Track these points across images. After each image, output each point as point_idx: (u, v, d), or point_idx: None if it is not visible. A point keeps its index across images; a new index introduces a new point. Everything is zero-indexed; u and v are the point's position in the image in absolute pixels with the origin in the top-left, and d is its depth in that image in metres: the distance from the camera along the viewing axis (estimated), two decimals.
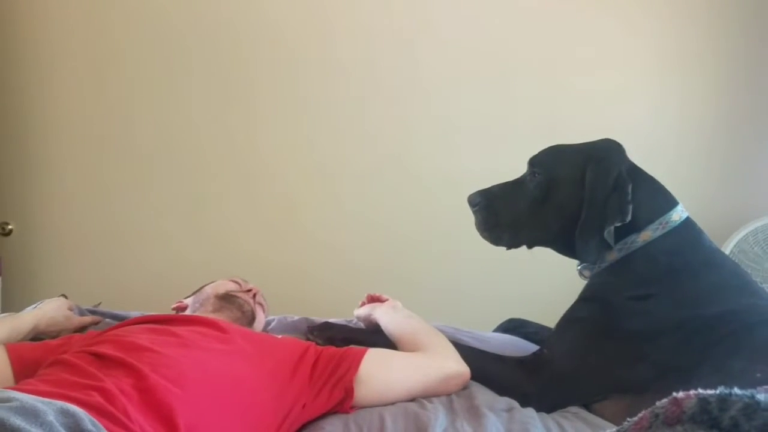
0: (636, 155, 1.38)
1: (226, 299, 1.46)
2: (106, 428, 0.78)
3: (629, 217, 1.25)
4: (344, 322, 1.63)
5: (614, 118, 2.48)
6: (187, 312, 1.49)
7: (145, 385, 0.93)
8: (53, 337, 1.38)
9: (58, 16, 2.46)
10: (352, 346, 1.33)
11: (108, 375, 0.94)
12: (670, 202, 1.33)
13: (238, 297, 1.47)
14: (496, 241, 1.46)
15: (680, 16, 2.54)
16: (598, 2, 2.53)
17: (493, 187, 1.48)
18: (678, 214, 1.31)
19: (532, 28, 2.52)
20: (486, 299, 2.42)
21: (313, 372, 1.16)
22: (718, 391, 0.42)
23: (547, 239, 1.43)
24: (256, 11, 2.48)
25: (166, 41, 2.48)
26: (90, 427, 0.74)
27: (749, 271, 2.24)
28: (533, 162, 1.43)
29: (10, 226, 2.51)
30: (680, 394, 0.44)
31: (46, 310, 1.45)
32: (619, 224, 1.26)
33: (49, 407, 0.73)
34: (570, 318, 1.36)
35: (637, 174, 1.34)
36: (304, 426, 1.13)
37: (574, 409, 1.23)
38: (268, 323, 1.65)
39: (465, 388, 1.27)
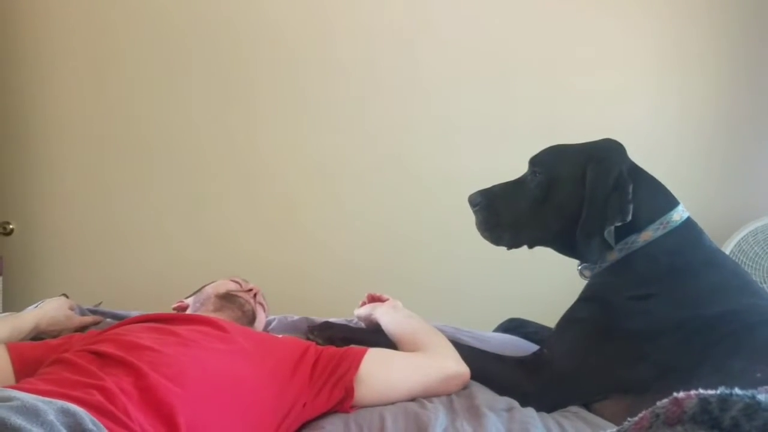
0: (636, 155, 1.38)
1: (227, 299, 1.46)
2: (107, 427, 0.78)
3: (630, 217, 1.25)
4: (344, 322, 1.63)
5: (614, 118, 2.48)
6: (188, 311, 1.50)
7: (146, 383, 0.93)
8: (54, 337, 1.38)
9: (59, 16, 2.46)
10: (352, 345, 1.33)
11: (108, 374, 0.94)
12: (671, 202, 1.33)
13: (238, 296, 1.47)
14: (496, 241, 1.46)
15: (680, 16, 2.54)
16: (598, 2, 2.54)
17: (493, 186, 1.48)
18: (679, 214, 1.31)
19: (532, 28, 2.52)
20: (486, 299, 2.42)
21: (313, 371, 1.16)
22: (718, 392, 0.42)
23: (548, 239, 1.43)
24: (256, 11, 2.48)
25: (166, 42, 2.48)
26: (91, 426, 0.74)
27: (749, 271, 2.24)
28: (534, 161, 1.43)
29: (11, 226, 2.52)
30: (681, 394, 0.44)
31: (47, 310, 1.45)
32: (619, 224, 1.26)
33: (49, 406, 0.73)
34: (570, 318, 1.36)
35: (637, 174, 1.34)
36: (305, 425, 1.13)
37: (574, 408, 1.23)
38: (268, 323, 1.65)
39: (465, 388, 1.27)
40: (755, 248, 2.30)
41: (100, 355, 1.01)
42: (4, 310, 2.36)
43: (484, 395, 1.22)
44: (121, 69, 2.48)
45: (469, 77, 2.52)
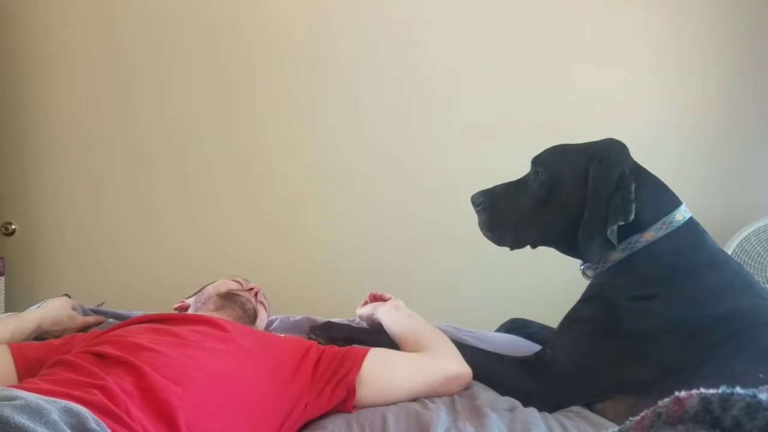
0: (637, 155, 1.38)
1: (228, 298, 1.46)
2: (109, 427, 0.78)
3: (632, 217, 1.25)
4: (346, 322, 1.63)
5: (615, 117, 2.48)
6: (190, 311, 1.50)
7: (146, 384, 0.93)
8: (56, 337, 1.38)
9: (61, 17, 2.47)
10: (354, 345, 1.33)
11: (110, 374, 0.94)
12: (674, 202, 1.33)
13: (239, 295, 1.47)
14: (499, 241, 1.46)
15: (681, 15, 2.54)
16: (598, 2, 2.53)
17: (496, 186, 1.48)
18: (681, 214, 1.31)
19: (532, 28, 2.52)
20: (487, 299, 2.42)
21: (315, 371, 1.16)
22: (720, 391, 0.42)
23: (551, 239, 1.43)
24: (256, 12, 2.49)
25: (167, 44, 2.48)
26: (94, 426, 0.74)
27: (752, 271, 2.24)
28: (536, 161, 1.43)
29: (13, 226, 2.52)
30: (682, 394, 0.44)
31: (50, 310, 1.45)
32: (622, 223, 1.26)
33: (53, 406, 0.73)
34: (573, 318, 1.36)
35: (640, 173, 1.34)
36: (307, 425, 1.13)
37: (576, 408, 1.23)
38: (270, 323, 1.65)
39: (467, 388, 1.27)
40: (757, 248, 2.30)
41: (101, 356, 1.01)
42: (7, 310, 2.36)
43: (486, 395, 1.22)
44: (123, 71, 2.49)
45: (469, 77, 2.52)
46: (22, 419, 0.68)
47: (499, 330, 1.78)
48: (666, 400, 0.45)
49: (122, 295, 2.23)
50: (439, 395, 1.22)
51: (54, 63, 2.48)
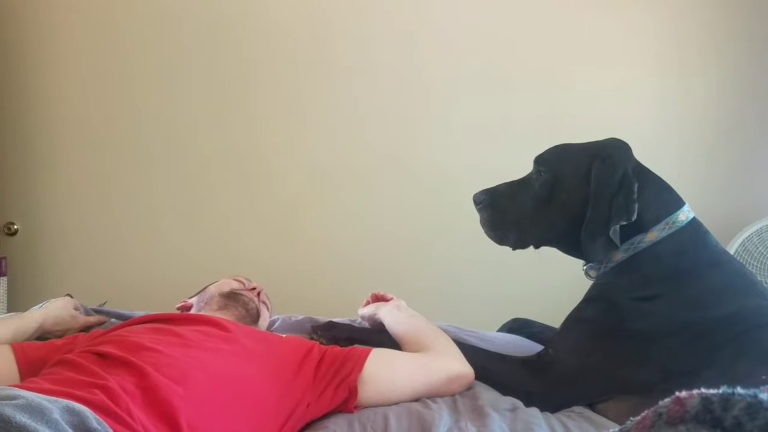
0: (639, 154, 1.38)
1: (231, 298, 1.46)
2: (110, 426, 0.78)
3: (635, 216, 1.25)
4: (348, 322, 1.63)
5: (616, 117, 2.47)
6: (192, 311, 1.50)
7: (148, 384, 0.93)
8: (59, 337, 1.38)
9: (63, 20, 2.47)
10: (356, 345, 1.33)
11: (111, 374, 0.94)
12: (677, 202, 1.32)
13: (242, 295, 1.48)
14: (501, 240, 1.46)
15: (682, 15, 2.53)
16: (598, 2, 2.53)
17: (498, 185, 1.48)
18: (684, 214, 1.30)
19: (532, 28, 2.52)
20: (489, 299, 2.42)
21: (317, 371, 1.16)
22: (721, 391, 0.42)
23: (553, 238, 1.42)
24: (256, 12, 2.49)
25: (168, 44, 2.48)
26: (95, 425, 0.74)
27: (754, 271, 2.24)
28: (539, 161, 1.42)
29: (15, 226, 2.53)
30: (683, 394, 0.44)
31: (52, 310, 1.45)
32: (624, 223, 1.25)
33: (54, 405, 0.74)
34: (575, 318, 1.36)
35: (643, 173, 1.33)
36: (308, 425, 1.13)
37: (578, 408, 1.23)
38: (272, 323, 1.65)
39: (469, 388, 1.27)
40: (760, 248, 2.29)
41: (103, 356, 1.01)
42: (9, 310, 2.37)
43: (488, 395, 1.22)
44: (124, 71, 2.49)
45: (469, 77, 2.52)
46: (23, 418, 0.68)
47: (500, 330, 1.78)
48: (667, 400, 0.45)
49: (124, 295, 2.23)
50: (441, 395, 1.22)
51: (55, 64, 2.48)
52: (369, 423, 1.10)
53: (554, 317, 1.49)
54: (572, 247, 1.39)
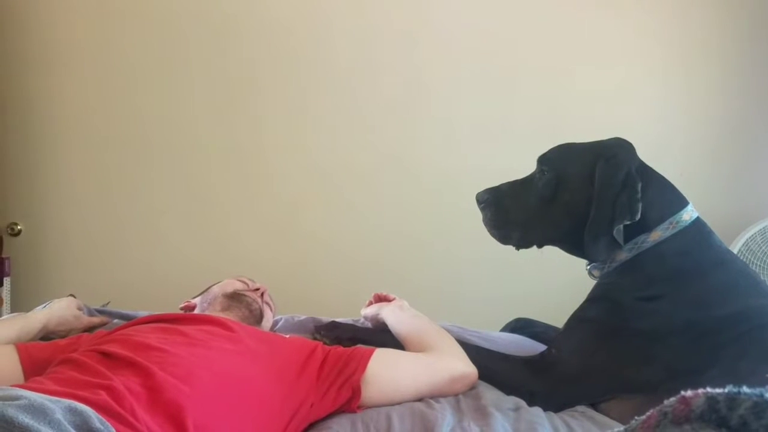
0: (642, 154, 1.37)
1: (234, 298, 1.46)
2: (113, 427, 0.78)
3: (639, 216, 1.24)
4: (351, 322, 1.63)
5: (619, 116, 2.47)
6: (196, 311, 1.50)
7: (154, 383, 0.93)
8: (62, 337, 1.39)
9: (65, 21, 2.47)
10: (359, 345, 1.33)
11: (116, 374, 0.94)
12: (681, 202, 1.32)
13: (246, 295, 1.48)
14: (504, 239, 1.45)
15: (685, 14, 2.53)
16: (599, 1, 2.53)
17: (501, 185, 1.47)
18: (688, 214, 1.30)
19: (534, 27, 2.52)
20: (492, 299, 2.42)
21: (320, 372, 1.16)
22: (726, 390, 0.42)
23: (556, 238, 1.42)
24: (258, 12, 2.49)
25: (169, 45, 2.48)
26: (98, 425, 0.74)
27: (758, 270, 2.23)
28: (542, 160, 1.42)
29: (19, 227, 2.53)
30: (688, 393, 0.44)
31: (56, 310, 1.46)
32: (628, 223, 1.25)
33: (57, 405, 0.74)
34: (579, 318, 1.36)
35: (647, 173, 1.33)
36: (312, 425, 1.13)
37: (581, 408, 1.22)
38: (275, 323, 1.65)
39: (472, 388, 1.27)
40: (763, 247, 2.28)
41: (108, 355, 1.01)
42: (13, 311, 2.37)
43: (491, 395, 1.22)
44: (126, 72, 2.49)
45: (471, 77, 2.52)
46: (26, 419, 0.68)
47: (503, 330, 1.78)
48: (672, 399, 0.44)
49: (127, 295, 2.23)
50: (445, 395, 1.22)
51: (58, 65, 2.48)
52: (372, 423, 1.10)
53: (557, 317, 1.49)
54: (575, 247, 1.38)
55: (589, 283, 1.41)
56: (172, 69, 2.49)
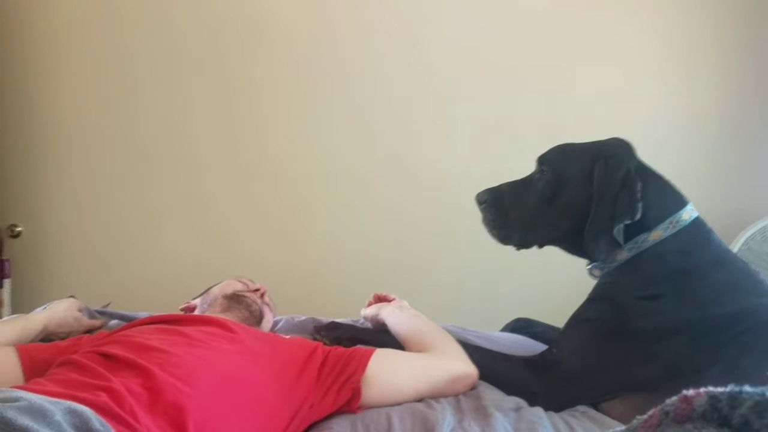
0: (642, 154, 1.37)
1: (234, 299, 1.46)
2: (113, 428, 0.78)
3: (639, 215, 1.25)
4: (351, 322, 1.63)
5: (619, 117, 2.46)
6: (196, 312, 1.50)
7: (154, 384, 0.93)
8: (63, 338, 1.39)
9: (66, 23, 2.47)
10: (359, 346, 1.33)
11: (117, 375, 0.94)
12: (681, 201, 1.32)
13: (245, 296, 1.48)
14: (503, 239, 1.45)
15: (686, 15, 2.53)
16: (602, 1, 2.53)
17: (501, 185, 1.47)
18: (688, 213, 1.30)
19: (534, 27, 2.52)
20: (492, 299, 2.42)
21: (320, 372, 1.16)
22: (728, 389, 0.42)
23: (556, 238, 1.42)
24: (258, 11, 2.49)
25: (170, 46, 2.48)
26: (98, 426, 0.74)
27: (758, 270, 2.23)
28: (541, 160, 1.42)
29: (19, 228, 2.53)
30: (690, 392, 0.43)
31: (56, 311, 1.46)
32: (628, 222, 1.25)
33: (56, 407, 0.73)
34: (579, 318, 1.36)
35: (646, 172, 1.33)
36: (312, 426, 1.13)
37: (582, 408, 1.22)
38: (275, 323, 1.65)
39: (473, 388, 1.26)
40: (764, 246, 2.28)
41: (108, 357, 1.01)
42: (13, 312, 2.37)
43: (491, 395, 1.22)
44: (127, 73, 2.49)
45: (472, 77, 2.52)
46: (25, 420, 0.68)
47: (503, 330, 1.78)
48: (674, 398, 0.44)
49: (128, 296, 2.23)
50: (445, 395, 1.22)
51: (58, 67, 2.48)
52: (372, 424, 1.10)
53: (558, 317, 1.49)
54: (576, 247, 1.38)
55: (590, 283, 1.41)
56: (172, 70, 2.49)
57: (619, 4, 2.53)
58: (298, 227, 2.56)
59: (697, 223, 1.31)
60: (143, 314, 1.59)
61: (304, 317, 1.70)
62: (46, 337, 1.41)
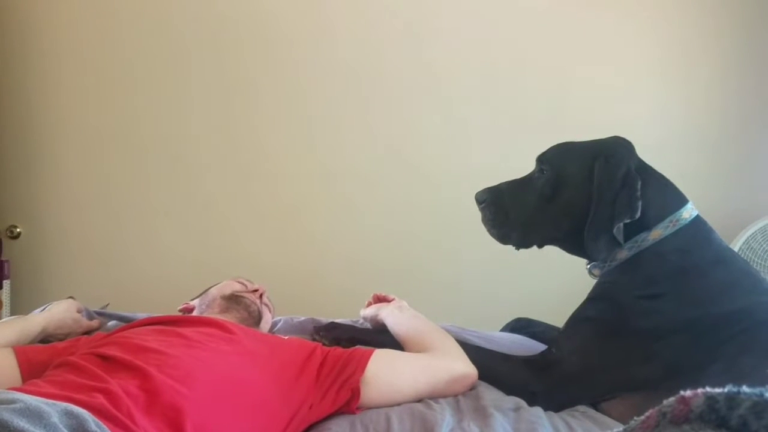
0: (642, 153, 1.37)
1: (233, 300, 1.46)
2: (110, 430, 0.78)
3: (638, 214, 1.24)
4: (350, 323, 1.63)
5: (620, 116, 2.46)
6: (194, 313, 1.50)
7: (152, 385, 0.93)
8: (61, 340, 1.39)
9: (65, 24, 2.47)
10: (358, 346, 1.33)
11: (114, 377, 0.93)
12: (680, 200, 1.32)
13: (244, 297, 1.47)
14: (503, 239, 1.45)
15: (686, 14, 2.52)
16: (602, 1, 2.52)
17: (500, 184, 1.47)
18: (688, 212, 1.30)
19: (534, 27, 2.51)
20: (492, 299, 2.42)
21: (319, 373, 1.16)
22: (726, 390, 0.41)
23: (556, 237, 1.42)
24: (258, 11, 2.49)
25: (170, 46, 2.48)
26: (94, 428, 0.74)
27: (759, 269, 2.23)
28: (541, 159, 1.42)
29: (18, 229, 2.53)
30: (688, 393, 0.43)
31: (55, 313, 1.45)
32: (628, 221, 1.25)
33: (53, 408, 0.73)
34: (579, 317, 1.36)
35: (646, 171, 1.33)
36: (311, 426, 1.12)
37: (582, 408, 1.22)
38: (274, 324, 1.65)
39: (472, 388, 1.26)
40: (764, 245, 2.28)
41: (106, 358, 1.01)
42: (12, 313, 2.37)
43: (491, 395, 1.22)
44: (126, 74, 2.49)
45: (472, 77, 2.51)
46: (21, 422, 0.68)
47: (503, 330, 1.78)
48: (671, 399, 0.44)
49: (126, 297, 2.23)
50: (444, 396, 1.22)
51: (58, 68, 2.48)
52: (371, 424, 1.10)
53: (557, 317, 1.49)
54: (575, 246, 1.38)
55: (590, 283, 1.41)
56: (172, 70, 2.49)
57: (618, 5, 2.52)
58: (297, 227, 2.55)
59: (697, 222, 1.31)
60: (142, 315, 1.59)
61: (303, 318, 1.70)
62: (45, 338, 1.41)
